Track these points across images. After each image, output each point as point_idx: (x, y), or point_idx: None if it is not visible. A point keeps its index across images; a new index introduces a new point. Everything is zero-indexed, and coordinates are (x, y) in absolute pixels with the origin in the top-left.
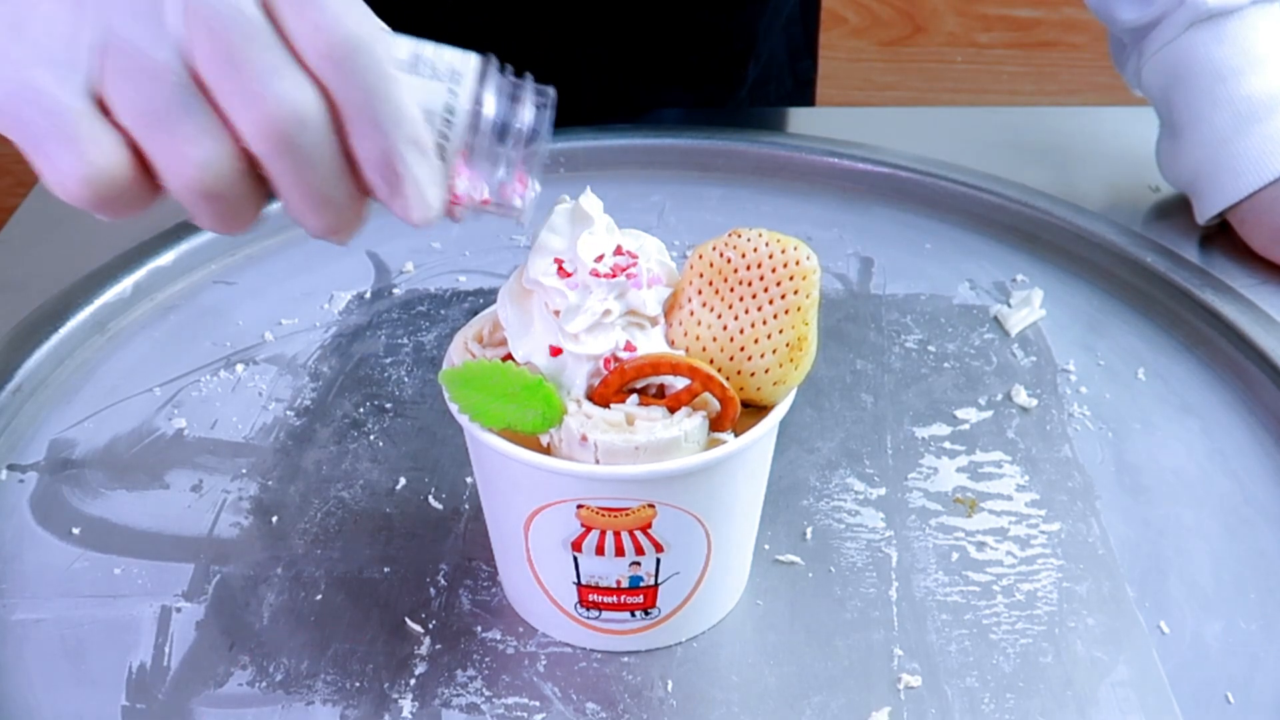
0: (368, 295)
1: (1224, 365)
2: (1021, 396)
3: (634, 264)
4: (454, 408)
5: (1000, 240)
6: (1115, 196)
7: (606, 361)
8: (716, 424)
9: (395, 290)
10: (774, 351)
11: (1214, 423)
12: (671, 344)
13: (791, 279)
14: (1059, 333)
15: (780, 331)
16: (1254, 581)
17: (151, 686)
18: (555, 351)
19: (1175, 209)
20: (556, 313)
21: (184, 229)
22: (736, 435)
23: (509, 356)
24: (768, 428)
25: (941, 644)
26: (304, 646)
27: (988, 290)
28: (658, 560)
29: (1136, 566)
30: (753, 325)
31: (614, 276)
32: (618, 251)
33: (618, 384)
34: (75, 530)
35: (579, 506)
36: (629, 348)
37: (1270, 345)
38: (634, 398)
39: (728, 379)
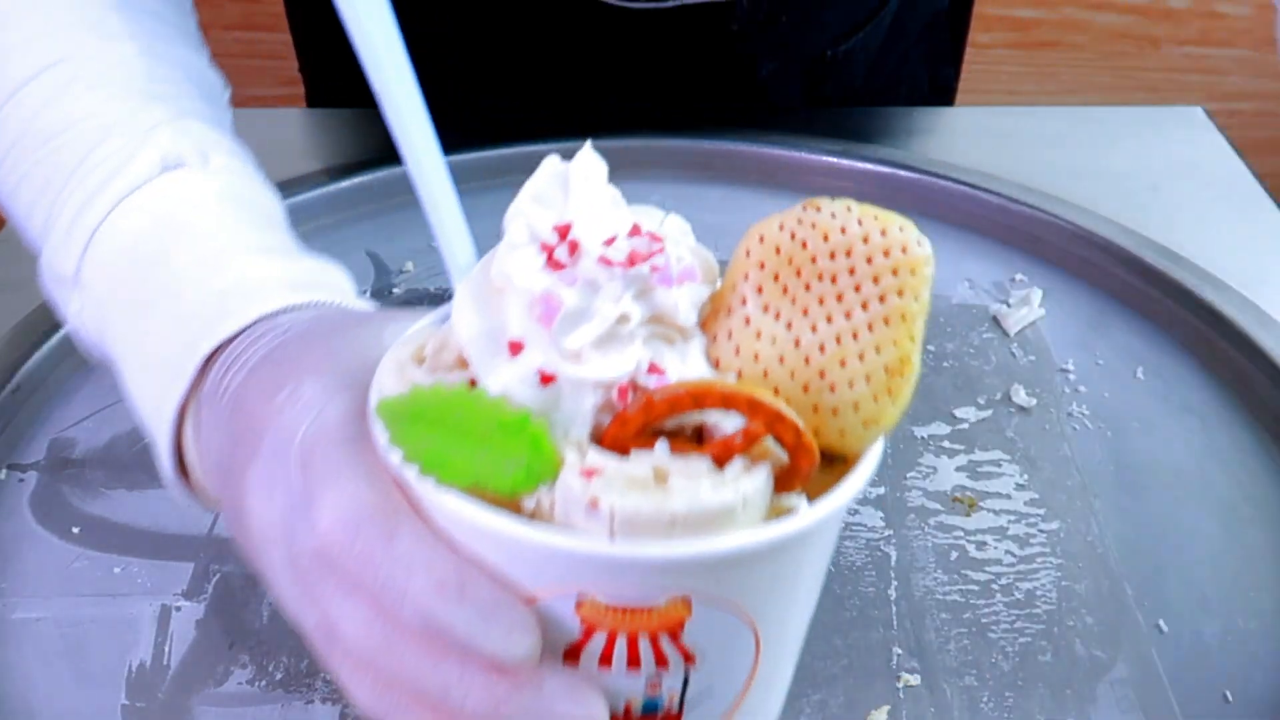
0: (368, 294)
1: (1222, 364)
2: (1020, 396)
3: (659, 249)
4: (394, 455)
5: (999, 240)
6: (1115, 196)
7: (623, 391)
8: (784, 482)
9: (395, 290)
10: (868, 378)
11: (1212, 422)
12: (717, 365)
13: (895, 273)
14: (1058, 332)
15: (878, 350)
16: (1252, 580)
17: (151, 685)
18: (547, 379)
19: (1175, 208)
20: (547, 321)
21: None
22: (810, 499)
23: (473, 385)
24: (855, 489)
25: (940, 643)
26: (304, 645)
27: (987, 289)
28: (686, 675)
29: (1135, 565)
30: (838, 340)
31: (632, 266)
32: (634, 233)
33: (641, 423)
34: (75, 529)
35: (580, 601)
36: (655, 370)
37: (1269, 344)
38: (663, 443)
39: (801, 416)
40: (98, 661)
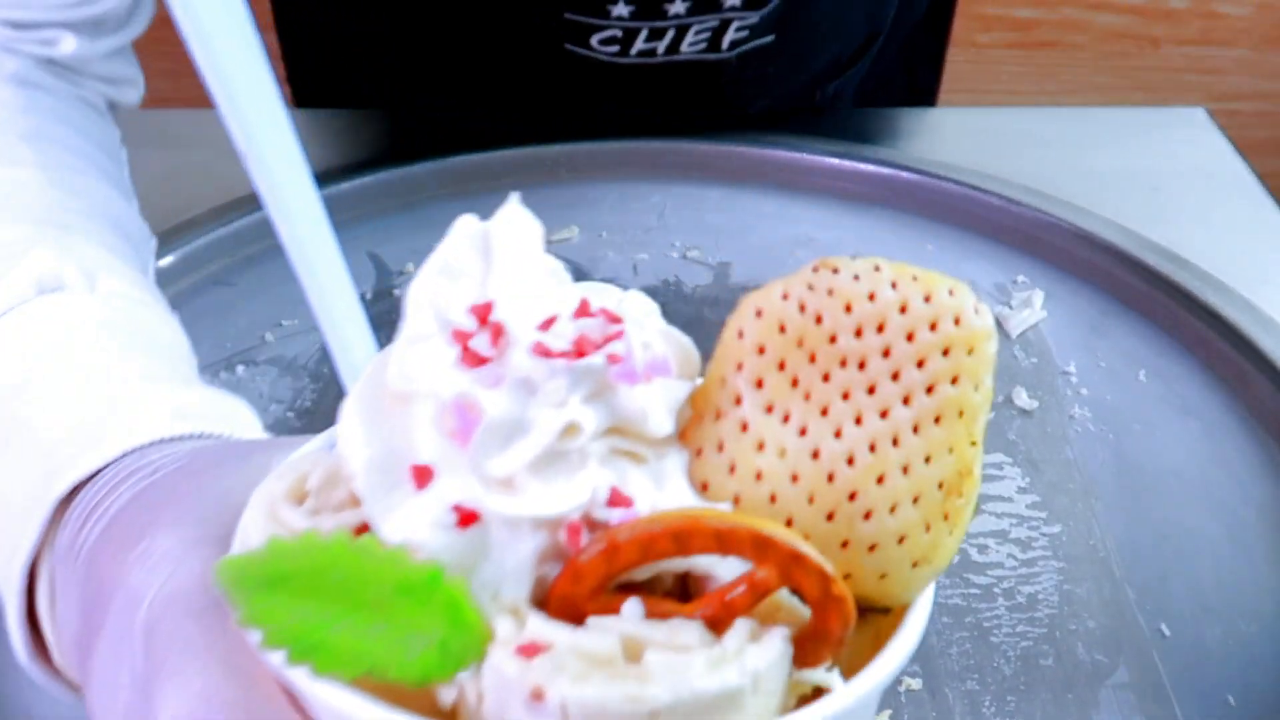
0: (368, 296)
1: (1224, 367)
2: (1022, 398)
3: (617, 333)
4: (253, 636)
5: (1001, 241)
6: (1116, 197)
7: (574, 531)
8: (807, 652)
9: (395, 291)
10: (915, 500)
11: (1215, 424)
12: (705, 490)
13: (947, 353)
14: (1060, 334)
15: (927, 460)
16: (1254, 583)
17: None
18: (467, 518)
19: (1176, 209)
20: (463, 438)
21: (183, 229)
22: (846, 676)
23: (363, 530)
24: (903, 655)
25: (942, 646)
26: None
27: (988, 292)
28: None
29: (1137, 569)
30: (873, 448)
31: (580, 358)
32: (581, 312)
33: (602, 576)
34: None
35: None
36: (619, 501)
37: (1270, 347)
38: (634, 603)
39: (828, 557)
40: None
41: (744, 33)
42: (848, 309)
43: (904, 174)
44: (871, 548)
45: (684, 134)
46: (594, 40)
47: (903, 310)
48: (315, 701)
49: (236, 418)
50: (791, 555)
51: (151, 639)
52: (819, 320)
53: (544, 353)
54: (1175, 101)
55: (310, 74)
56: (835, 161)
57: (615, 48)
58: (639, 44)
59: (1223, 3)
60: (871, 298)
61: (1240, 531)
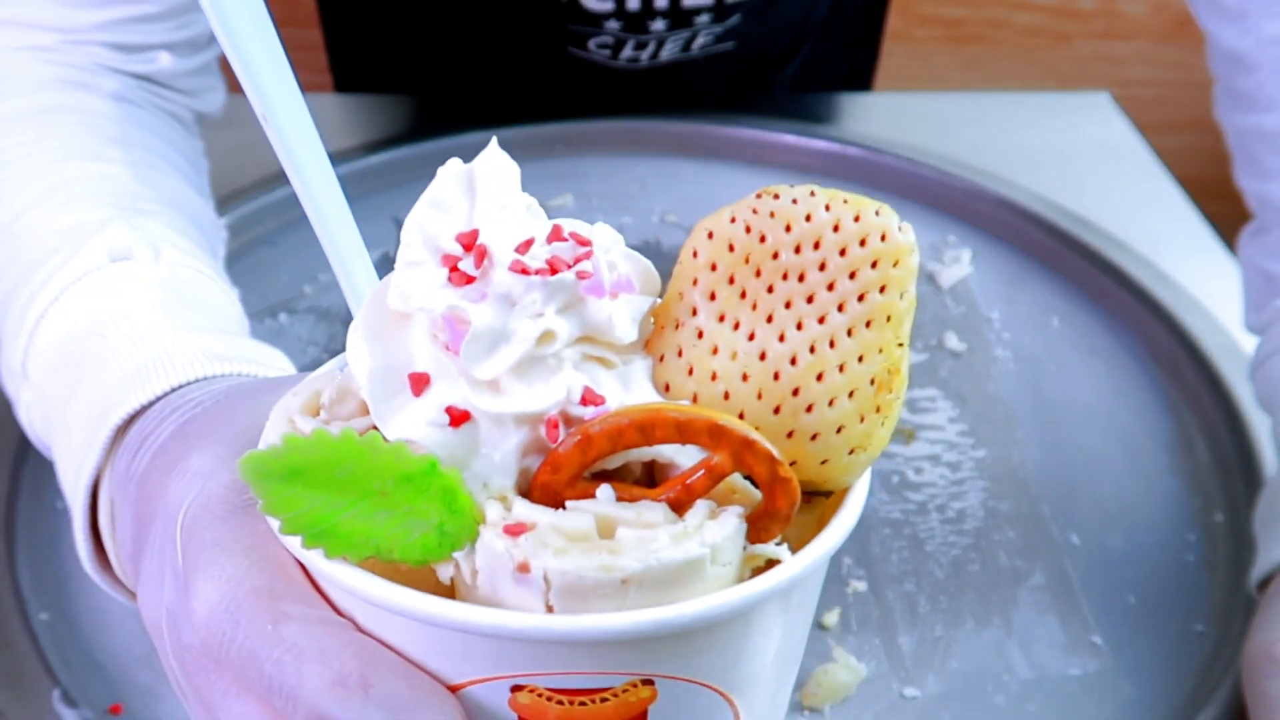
0: (391, 254)
1: (1125, 314)
2: (953, 341)
3: (586, 253)
4: (274, 523)
5: (934, 207)
6: (1033, 170)
7: (553, 425)
8: (758, 528)
9: None
10: (851, 394)
11: (1116, 364)
12: (666, 391)
13: (875, 265)
14: (985, 287)
15: (860, 358)
16: (1151, 499)
17: None
18: (458, 417)
19: (1084, 180)
20: (454, 346)
21: (234, 197)
22: (793, 550)
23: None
24: (844, 530)
25: (884, 554)
26: None
27: (924, 250)
28: None
29: (1051, 487)
30: (812, 349)
31: (554, 274)
32: (555, 236)
33: (578, 465)
34: None
35: (515, 688)
36: (590, 400)
37: (1165, 298)
38: (606, 489)
39: (775, 445)
40: None
41: (709, 39)
42: (788, 229)
43: (851, 149)
44: (813, 437)
45: (664, 115)
46: (591, 44)
47: (835, 229)
48: (329, 580)
49: (271, 360)
50: (743, 441)
51: (188, 541)
52: (763, 239)
53: (521, 270)
54: (1083, 88)
55: (349, 64)
56: (792, 138)
57: (607, 52)
58: (627, 51)
59: (1124, 2)
60: (808, 218)
61: (1139, 455)
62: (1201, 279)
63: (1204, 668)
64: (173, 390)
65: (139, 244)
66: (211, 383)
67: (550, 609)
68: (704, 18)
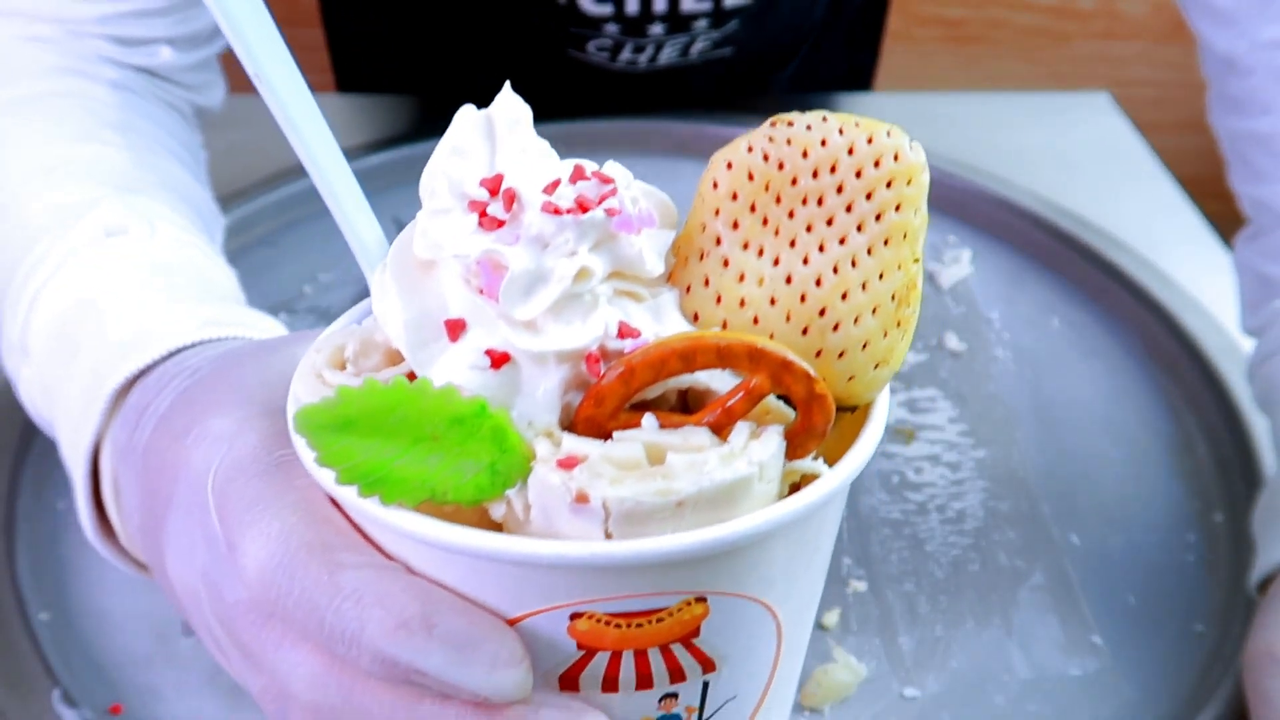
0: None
1: (1125, 314)
2: (953, 341)
3: (611, 191)
4: (327, 475)
5: (934, 208)
6: (1033, 170)
7: (593, 360)
8: (796, 445)
9: None
10: (874, 311)
11: (1116, 364)
12: (695, 321)
13: (890, 184)
14: (985, 287)
15: (881, 276)
16: (1150, 499)
17: None
18: (499, 359)
19: (1084, 180)
20: (491, 291)
21: (235, 197)
22: (830, 463)
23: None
24: (874, 441)
25: (884, 554)
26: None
27: (924, 250)
28: (704, 685)
29: (1051, 487)
30: (835, 270)
31: (585, 213)
32: (577, 176)
33: (621, 397)
34: None
35: (574, 616)
36: (627, 333)
37: (1165, 297)
38: (650, 418)
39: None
40: None
41: (707, 44)
42: (804, 154)
43: None
44: (840, 354)
45: (664, 116)
46: (590, 47)
47: (850, 152)
48: (384, 526)
49: (261, 324)
50: (781, 363)
51: (223, 503)
52: (781, 166)
53: (553, 210)
54: (1083, 88)
55: (350, 64)
56: None
57: (605, 54)
58: (625, 54)
59: (1124, 2)
60: (824, 143)
61: (1138, 455)
62: (1201, 279)
63: (1204, 668)
64: (169, 355)
65: (134, 219)
66: (206, 347)
67: (609, 535)
68: (702, 23)
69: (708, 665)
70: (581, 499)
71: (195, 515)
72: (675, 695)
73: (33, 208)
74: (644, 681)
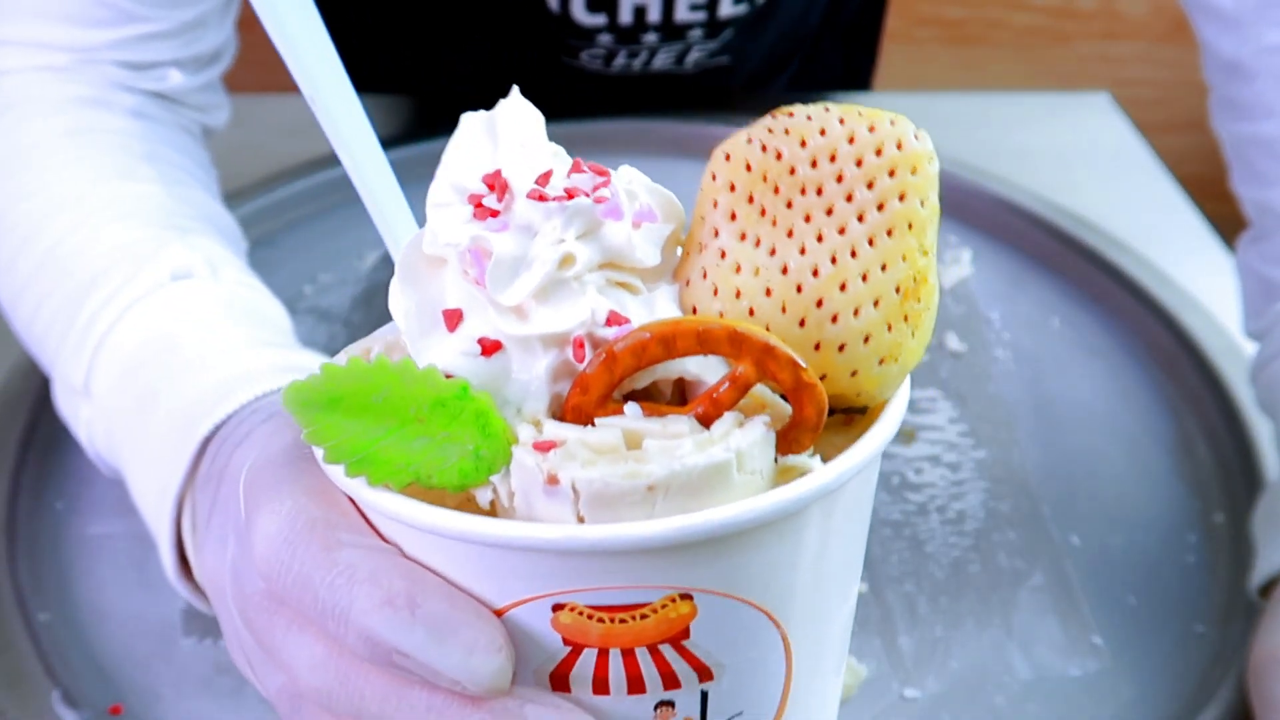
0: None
1: (1125, 315)
2: (953, 342)
3: (604, 182)
4: (317, 452)
5: None
6: (1032, 170)
7: (579, 346)
8: (789, 439)
9: None
10: (876, 302)
11: (1117, 364)
12: (693, 314)
13: (893, 173)
14: (985, 287)
15: (883, 267)
16: (1151, 500)
17: None
18: (489, 347)
19: (1084, 180)
20: (481, 278)
21: (234, 198)
22: (825, 459)
23: None
24: (881, 440)
25: (884, 555)
26: None
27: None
28: (704, 695)
29: (1051, 488)
30: (833, 259)
31: (571, 199)
32: (575, 169)
33: (605, 384)
34: None
35: (556, 607)
36: (614, 320)
37: (1165, 297)
38: (633, 406)
39: (802, 357)
40: (161, 571)
41: (703, 53)
42: (803, 144)
43: None
44: (840, 347)
45: (664, 116)
46: (583, 55)
47: (851, 141)
48: (373, 508)
49: (319, 362)
50: (763, 347)
51: (249, 493)
52: (779, 157)
53: (540, 198)
54: (1083, 88)
55: (350, 64)
56: None
57: (599, 62)
58: (619, 60)
59: (1124, 2)
60: (823, 133)
61: (1138, 455)
62: (1201, 279)
63: (1204, 669)
64: (252, 401)
65: (198, 263)
66: (278, 393)
67: (581, 519)
68: (697, 33)
69: (704, 673)
70: (552, 480)
71: (229, 511)
72: (671, 703)
73: (88, 253)
74: (635, 685)
